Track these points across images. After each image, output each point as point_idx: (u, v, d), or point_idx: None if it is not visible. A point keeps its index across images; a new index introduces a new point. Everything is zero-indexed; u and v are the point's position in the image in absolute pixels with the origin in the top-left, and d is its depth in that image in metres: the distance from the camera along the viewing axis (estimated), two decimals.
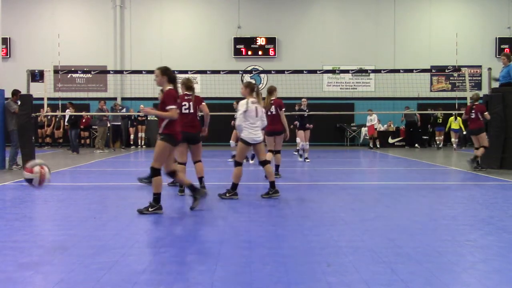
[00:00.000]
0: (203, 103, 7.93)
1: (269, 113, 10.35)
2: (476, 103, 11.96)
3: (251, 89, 7.69)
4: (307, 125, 14.24)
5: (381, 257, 4.42)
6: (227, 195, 7.65)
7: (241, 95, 7.90)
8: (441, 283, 3.75)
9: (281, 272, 4.01)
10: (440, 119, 21.48)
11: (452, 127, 21.11)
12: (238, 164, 7.66)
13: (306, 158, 14.36)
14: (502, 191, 8.88)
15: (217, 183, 9.34)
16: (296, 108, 15.39)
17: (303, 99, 14.53)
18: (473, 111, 11.87)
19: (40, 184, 5.27)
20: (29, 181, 5.25)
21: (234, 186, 7.66)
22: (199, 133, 7.85)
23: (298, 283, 3.75)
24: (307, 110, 14.29)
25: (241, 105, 7.59)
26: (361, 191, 8.73)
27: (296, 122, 14.51)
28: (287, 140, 10.85)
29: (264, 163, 7.77)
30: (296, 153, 16.47)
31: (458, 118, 20.85)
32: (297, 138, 14.60)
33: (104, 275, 3.93)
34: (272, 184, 7.76)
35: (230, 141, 13.68)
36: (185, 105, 7.61)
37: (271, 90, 10.46)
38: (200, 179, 7.95)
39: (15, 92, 12.54)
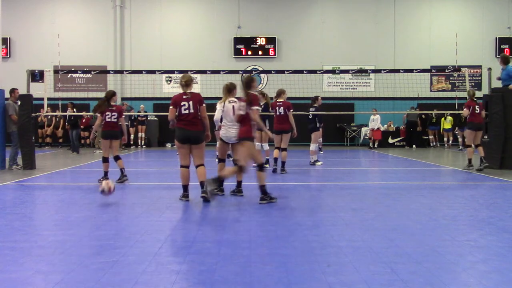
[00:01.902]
0: (203, 105, 7.42)
1: (277, 113, 11.05)
2: (474, 99, 11.90)
3: (227, 90, 8.12)
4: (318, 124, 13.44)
5: (381, 257, 4.42)
6: (215, 190, 7.66)
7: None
8: (441, 283, 3.75)
9: (281, 272, 4.01)
10: (435, 119, 21.75)
11: (445, 127, 21.48)
12: (220, 160, 8.11)
13: (316, 161, 13.46)
14: (502, 191, 8.88)
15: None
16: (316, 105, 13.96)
17: (319, 97, 13.80)
18: (477, 107, 11.77)
19: (109, 192, 7.36)
20: (102, 191, 7.35)
21: (218, 180, 7.35)
22: (201, 133, 7.41)
23: (298, 283, 3.75)
24: (312, 110, 13.48)
25: (219, 104, 8.11)
26: (361, 191, 8.73)
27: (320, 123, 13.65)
28: (295, 138, 11.44)
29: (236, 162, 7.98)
30: (321, 152, 16.69)
31: (449, 117, 21.13)
32: (319, 139, 14.23)
33: (104, 275, 3.93)
34: (239, 183, 8.00)
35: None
36: (184, 105, 7.28)
37: (280, 93, 11.49)
38: (202, 184, 7.37)
39: (12, 90, 12.56)
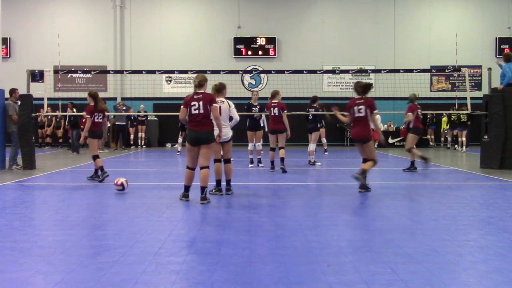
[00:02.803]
0: (214, 105, 7.23)
1: (272, 114, 11.22)
2: (416, 103, 11.85)
3: (215, 90, 8.11)
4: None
5: (381, 257, 4.42)
6: (212, 191, 7.95)
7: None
8: (441, 283, 3.75)
9: (281, 272, 4.01)
10: (434, 119, 21.95)
11: (444, 127, 21.58)
12: (215, 161, 8.06)
13: (315, 161, 13.44)
14: (502, 191, 8.88)
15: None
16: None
17: (317, 98, 13.74)
18: (420, 112, 11.84)
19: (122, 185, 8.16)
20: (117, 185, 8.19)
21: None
22: (210, 133, 7.21)
23: (298, 283, 3.75)
24: (312, 110, 13.45)
25: None
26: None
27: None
28: (288, 138, 11.76)
29: (226, 161, 8.23)
30: (326, 153, 16.95)
31: (444, 118, 21.27)
32: (323, 140, 15.32)
33: (104, 275, 3.93)
34: (228, 182, 8.21)
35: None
36: (194, 105, 7.14)
37: (274, 94, 11.69)
38: (203, 189, 7.20)
39: (12, 90, 12.57)
